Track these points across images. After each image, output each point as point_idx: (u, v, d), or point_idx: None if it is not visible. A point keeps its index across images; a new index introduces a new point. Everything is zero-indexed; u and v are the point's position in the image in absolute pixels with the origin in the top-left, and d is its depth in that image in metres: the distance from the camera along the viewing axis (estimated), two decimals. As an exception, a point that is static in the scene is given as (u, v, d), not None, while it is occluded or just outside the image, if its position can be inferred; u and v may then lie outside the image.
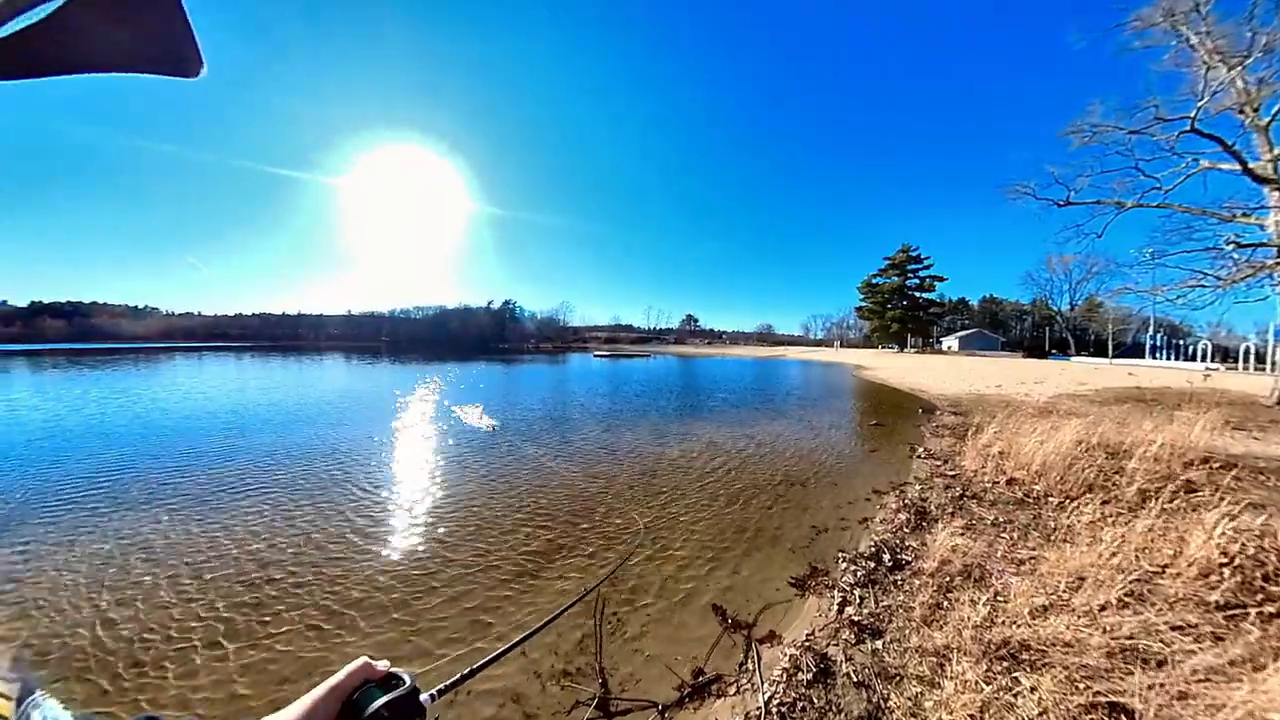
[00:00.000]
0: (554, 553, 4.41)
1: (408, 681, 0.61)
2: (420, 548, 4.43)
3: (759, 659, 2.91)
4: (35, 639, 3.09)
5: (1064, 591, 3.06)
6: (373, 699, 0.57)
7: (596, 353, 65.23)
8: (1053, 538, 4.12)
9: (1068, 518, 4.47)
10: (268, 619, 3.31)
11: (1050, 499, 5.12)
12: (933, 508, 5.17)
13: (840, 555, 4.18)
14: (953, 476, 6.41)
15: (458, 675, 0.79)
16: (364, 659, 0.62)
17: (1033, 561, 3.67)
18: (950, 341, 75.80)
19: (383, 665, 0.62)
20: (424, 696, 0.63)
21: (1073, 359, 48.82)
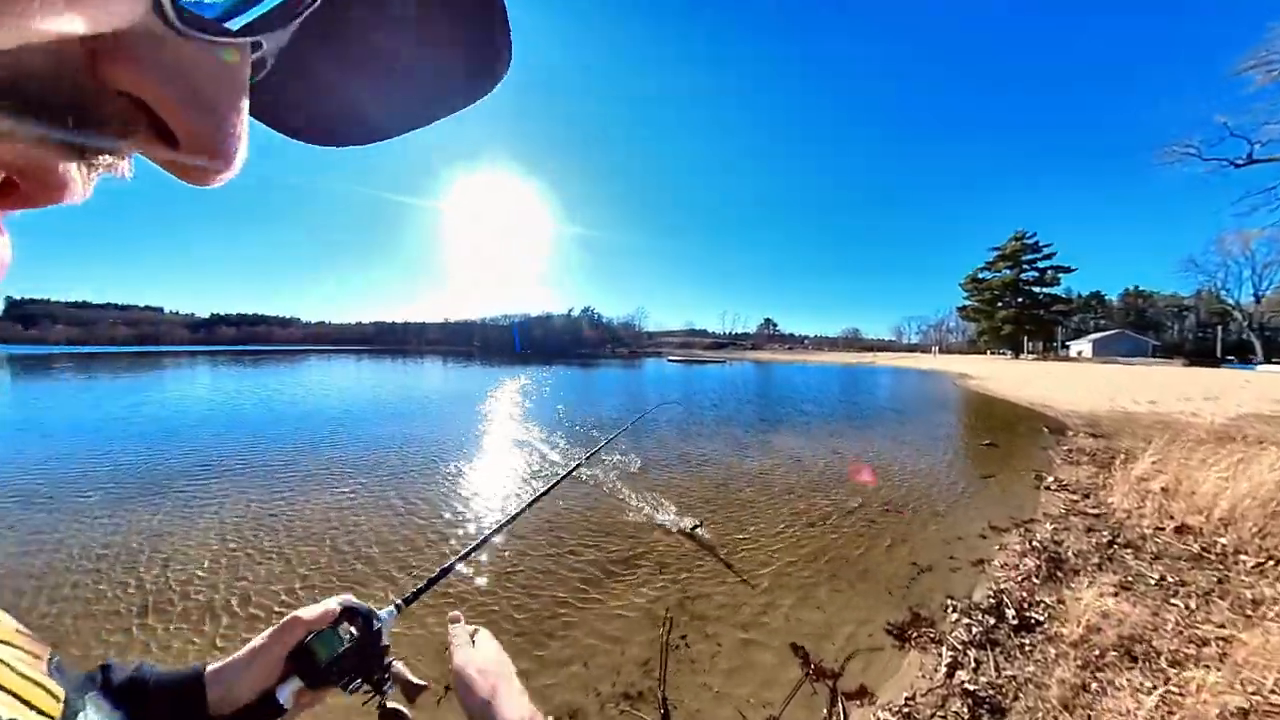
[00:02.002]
0: (618, 562, 4.34)
1: (362, 615, 0.60)
2: (485, 542, 4.57)
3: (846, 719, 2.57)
4: (175, 561, 3.63)
5: (1272, 692, 2.34)
6: (331, 646, 0.56)
7: (670, 358, 65.24)
8: (1251, 612, 3.21)
9: (1272, 586, 3.48)
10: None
11: (1243, 557, 4.03)
12: (1071, 555, 4.32)
13: (949, 603, 3.62)
14: (1096, 516, 5.34)
15: (424, 581, 0.77)
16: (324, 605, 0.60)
17: (1222, 643, 2.87)
18: (1081, 345, 64.84)
19: (333, 603, 0.60)
20: (385, 610, 0.62)
21: (1258, 368, 39.50)
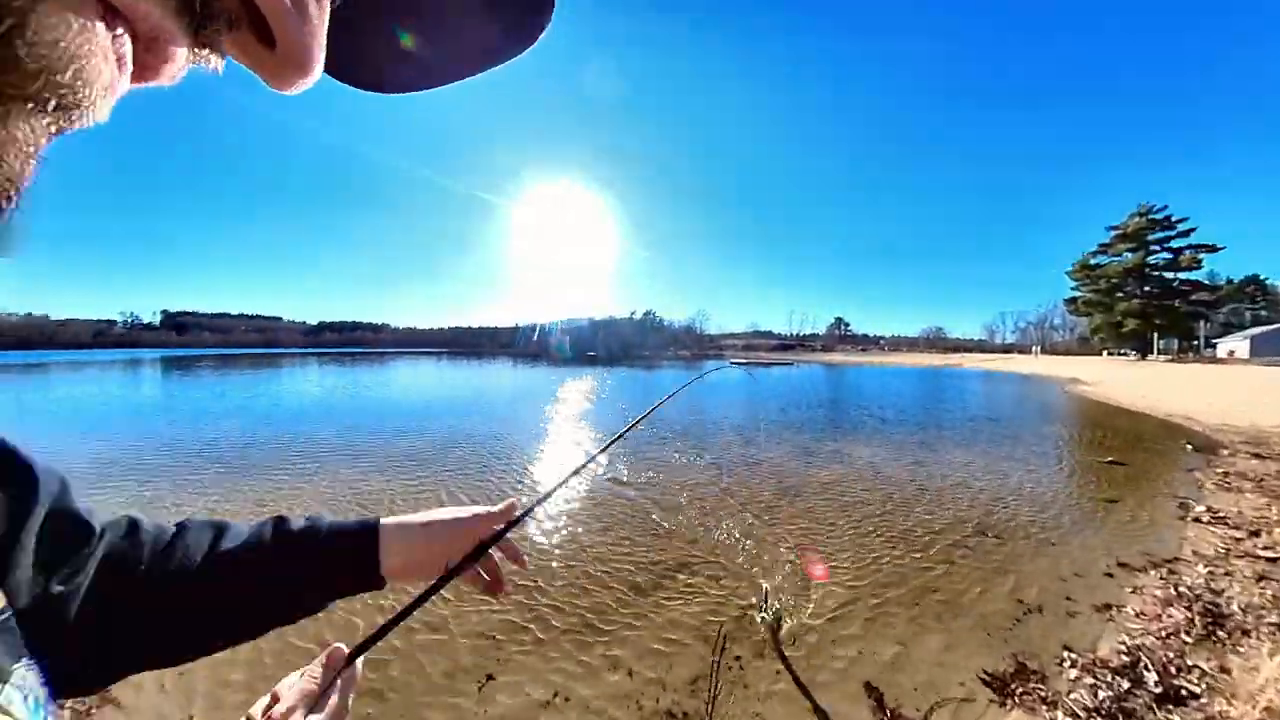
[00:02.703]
0: (674, 571, 4.15)
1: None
2: (547, 541, 4.55)
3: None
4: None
5: None
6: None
7: (733, 360, 63.74)
8: None
9: None
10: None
11: None
12: (1237, 609, 3.46)
13: (1066, 656, 3.02)
14: (1272, 560, 4.29)
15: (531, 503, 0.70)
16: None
17: None
18: (1232, 343, 54.22)
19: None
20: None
21: None
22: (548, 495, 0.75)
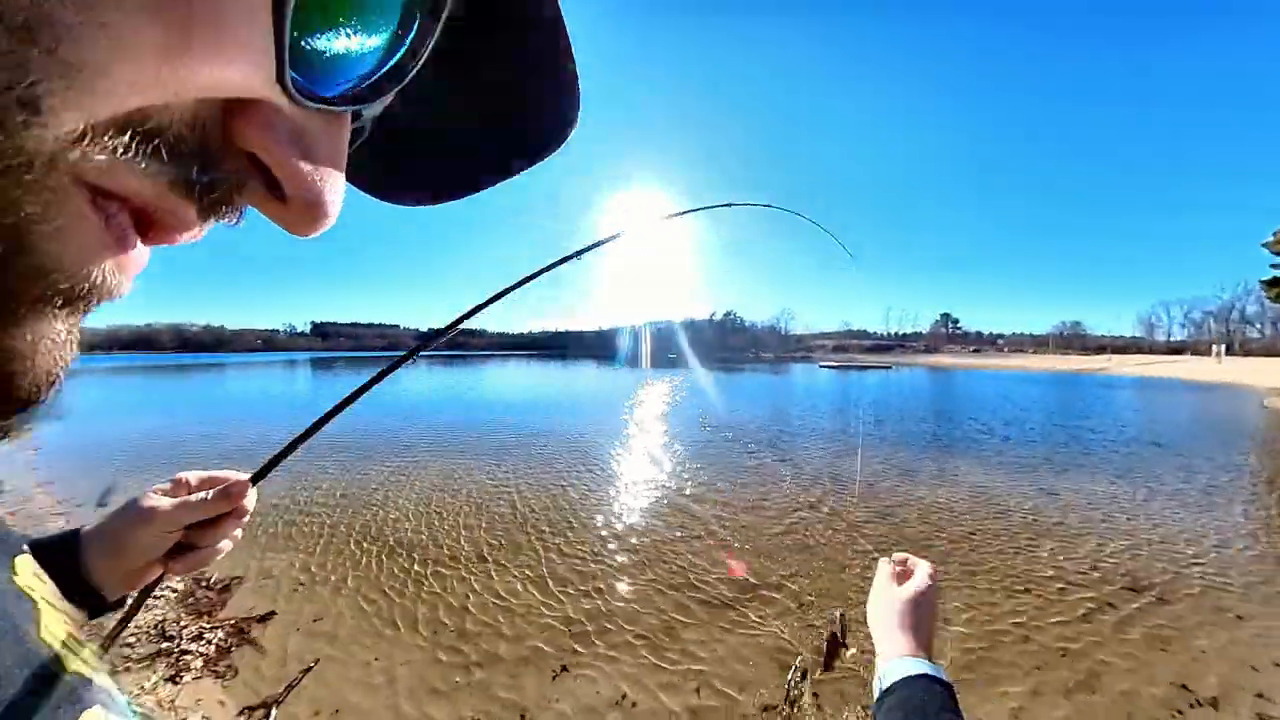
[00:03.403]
0: (749, 590, 4.02)
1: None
2: (612, 543, 4.62)
3: None
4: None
5: None
6: None
7: (823, 363, 60.15)
8: None
9: None
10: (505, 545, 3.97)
11: None
12: None
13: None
14: None
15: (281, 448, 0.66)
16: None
17: None
18: None
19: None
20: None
21: None
22: (267, 468, 0.65)
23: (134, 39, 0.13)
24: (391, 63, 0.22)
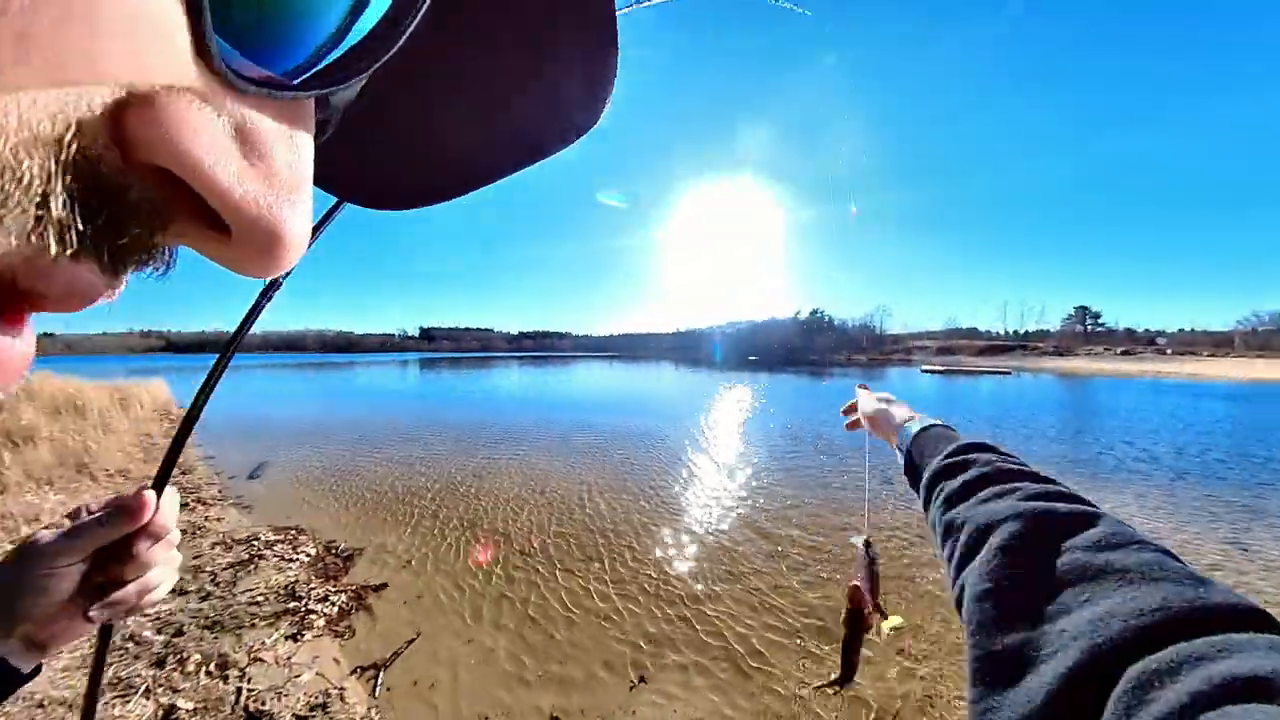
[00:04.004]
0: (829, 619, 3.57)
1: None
2: (695, 559, 4.37)
3: None
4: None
5: None
6: None
7: (925, 366, 54.14)
8: None
9: None
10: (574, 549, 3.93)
11: None
12: None
13: None
14: None
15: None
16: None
17: None
18: None
19: None
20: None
21: None
22: (163, 473, 0.52)
23: None
24: (369, 26, 0.15)
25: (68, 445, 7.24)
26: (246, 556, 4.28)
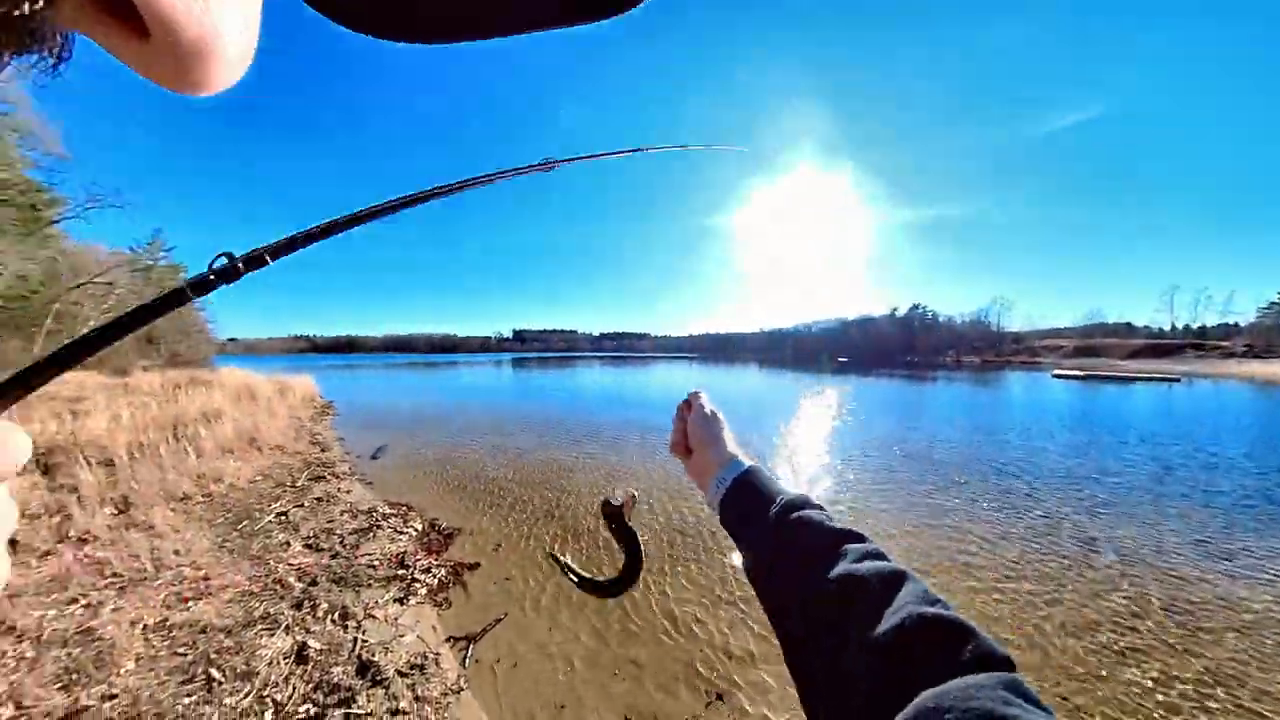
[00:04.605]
0: None
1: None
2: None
3: None
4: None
5: None
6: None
7: (1058, 371, 46.25)
8: None
9: None
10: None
11: None
12: None
13: None
14: None
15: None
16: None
17: None
18: None
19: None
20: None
21: None
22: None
23: None
24: None
25: (244, 424, 8.82)
26: (367, 525, 4.85)
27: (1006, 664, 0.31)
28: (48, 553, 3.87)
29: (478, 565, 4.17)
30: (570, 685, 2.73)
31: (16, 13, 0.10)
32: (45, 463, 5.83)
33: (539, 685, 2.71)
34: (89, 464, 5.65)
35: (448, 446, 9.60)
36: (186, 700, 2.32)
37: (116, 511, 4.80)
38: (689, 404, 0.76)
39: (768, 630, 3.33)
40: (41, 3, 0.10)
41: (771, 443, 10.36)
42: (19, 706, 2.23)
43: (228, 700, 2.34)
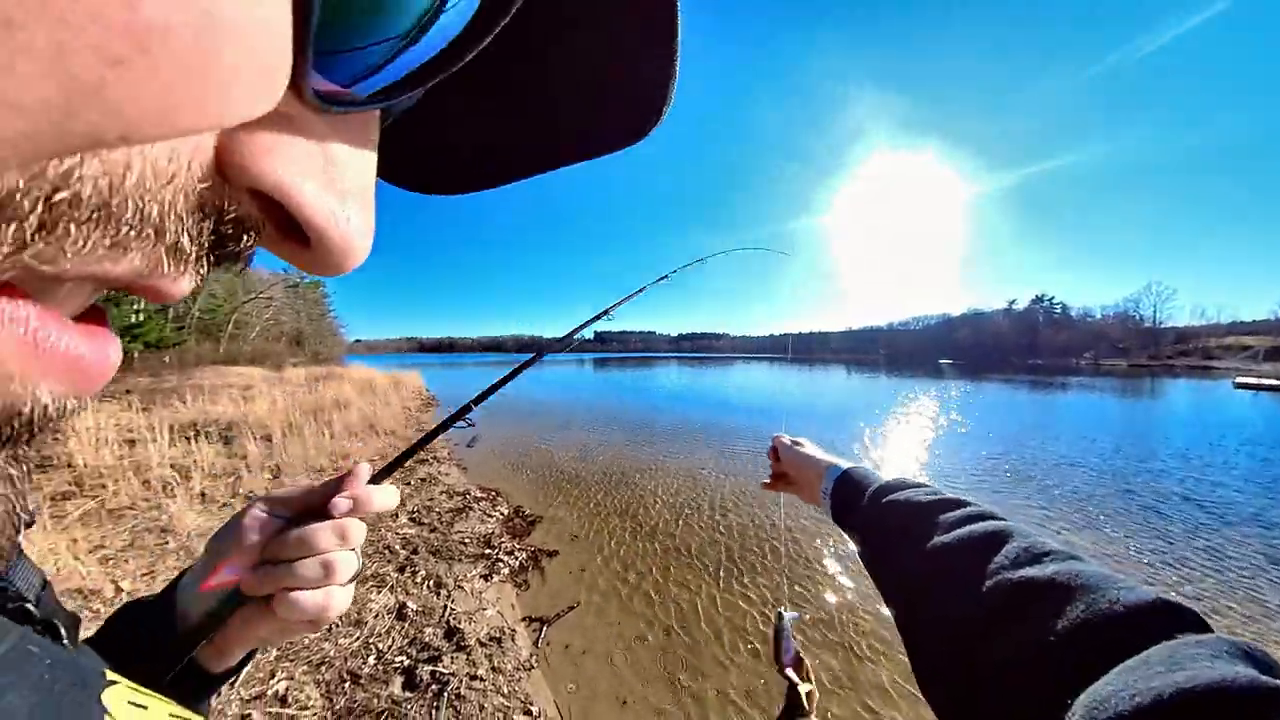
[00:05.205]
0: None
1: None
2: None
3: None
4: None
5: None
6: None
7: (1241, 379, 37.40)
8: None
9: None
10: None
11: None
12: None
13: None
14: None
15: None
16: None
17: None
18: None
19: None
20: None
21: None
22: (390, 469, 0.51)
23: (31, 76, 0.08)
24: (444, 42, 0.16)
25: (365, 412, 10.13)
26: (461, 506, 5.31)
27: (1201, 623, 0.29)
28: (225, 504, 4.76)
29: (556, 553, 4.34)
30: (633, 684, 2.73)
31: (237, 249, 0.15)
32: (225, 435, 7.18)
33: (603, 677, 2.76)
34: (254, 438, 6.86)
35: (534, 439, 10.20)
36: (311, 636, 2.72)
37: (272, 476, 5.76)
38: (774, 448, 0.83)
39: (847, 671, 3.05)
40: (252, 240, 0.15)
41: (871, 447, 9.60)
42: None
43: (342, 641, 2.71)
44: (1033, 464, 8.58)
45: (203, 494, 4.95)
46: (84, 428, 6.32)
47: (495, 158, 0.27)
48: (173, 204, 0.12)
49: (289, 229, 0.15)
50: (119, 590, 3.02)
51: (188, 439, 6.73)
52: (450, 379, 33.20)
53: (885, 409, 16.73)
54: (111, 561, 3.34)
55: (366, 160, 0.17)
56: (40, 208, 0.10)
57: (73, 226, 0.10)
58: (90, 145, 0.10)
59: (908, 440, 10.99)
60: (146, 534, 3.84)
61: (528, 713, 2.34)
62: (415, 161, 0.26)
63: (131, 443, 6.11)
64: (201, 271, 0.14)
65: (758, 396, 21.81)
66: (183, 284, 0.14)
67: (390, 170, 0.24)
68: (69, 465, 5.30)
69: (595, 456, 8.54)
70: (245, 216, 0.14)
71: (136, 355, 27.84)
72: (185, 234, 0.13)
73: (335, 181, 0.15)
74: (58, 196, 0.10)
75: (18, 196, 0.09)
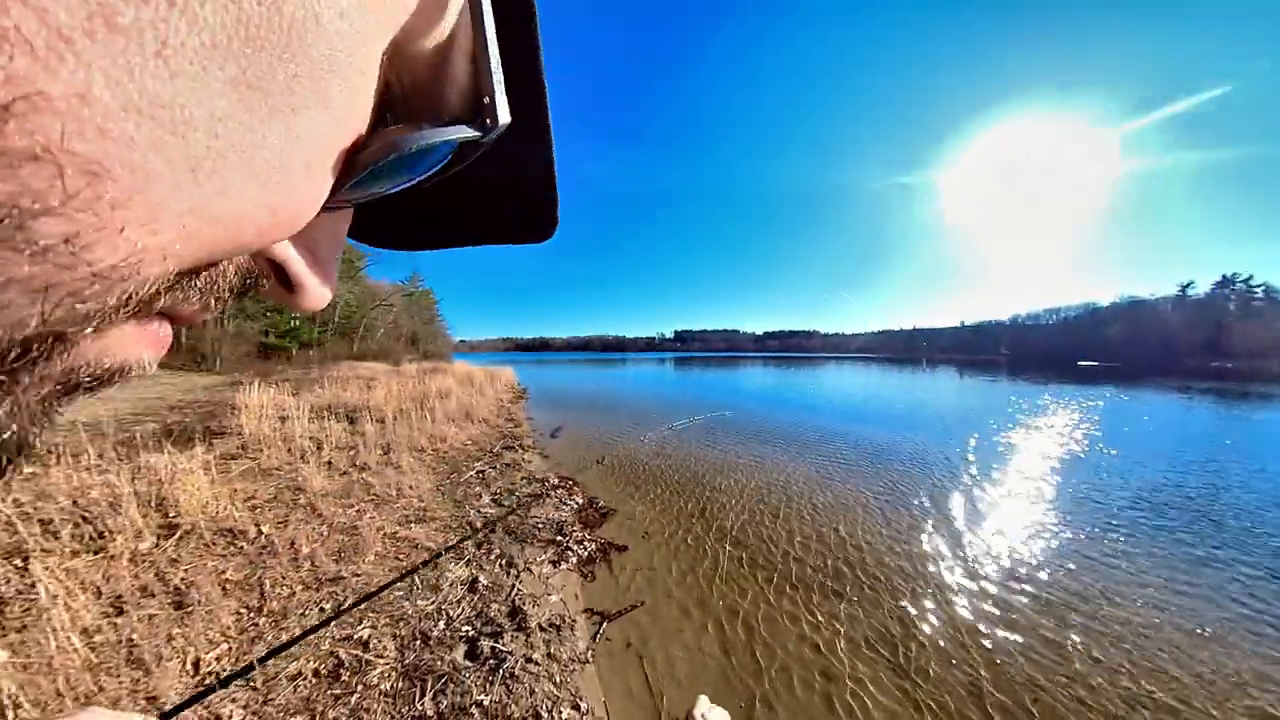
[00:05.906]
0: None
1: None
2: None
3: None
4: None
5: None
6: None
7: None
8: None
9: None
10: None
11: None
12: None
13: None
14: None
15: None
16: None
17: None
18: None
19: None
20: None
21: None
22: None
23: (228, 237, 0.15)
24: (427, 170, 0.22)
25: (464, 401, 11.05)
26: (539, 492, 5.49)
27: None
28: (345, 472, 5.42)
29: (625, 548, 4.25)
30: (688, 696, 2.54)
31: (247, 290, 0.21)
32: (351, 416, 8.26)
33: (658, 683, 2.61)
34: (371, 420, 7.78)
35: (613, 433, 10.34)
36: (397, 594, 2.98)
37: (383, 453, 6.46)
38: None
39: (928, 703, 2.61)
40: (258, 285, 0.22)
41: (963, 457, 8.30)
42: (313, 565, 3.25)
43: (420, 603, 2.91)
44: (1201, 498, 6.77)
45: (329, 462, 5.72)
46: (256, 404, 7.67)
47: (428, 235, 0.34)
48: (223, 274, 0.19)
49: (281, 280, 0.22)
50: (260, 533, 3.56)
51: (322, 418, 7.86)
52: (540, 375, 35.19)
53: (1021, 424, 14.20)
54: (258, 510, 4.05)
55: (339, 236, 0.24)
56: (202, 281, 0.17)
57: (201, 285, 0.18)
58: (246, 251, 0.17)
59: (1067, 467, 9.28)
60: (286, 490, 4.60)
61: (576, 708, 2.27)
62: (370, 230, 0.33)
63: (283, 419, 7.25)
64: (225, 305, 0.21)
65: (845, 397, 20.09)
66: (208, 315, 0.21)
67: (351, 230, 0.31)
68: (238, 434, 6.43)
69: (674, 454, 8.35)
70: (260, 274, 0.21)
71: (294, 352, 33.69)
72: (229, 290, 0.20)
73: (317, 252, 0.22)
74: (212, 272, 0.18)
75: (218, 274, 0.18)
